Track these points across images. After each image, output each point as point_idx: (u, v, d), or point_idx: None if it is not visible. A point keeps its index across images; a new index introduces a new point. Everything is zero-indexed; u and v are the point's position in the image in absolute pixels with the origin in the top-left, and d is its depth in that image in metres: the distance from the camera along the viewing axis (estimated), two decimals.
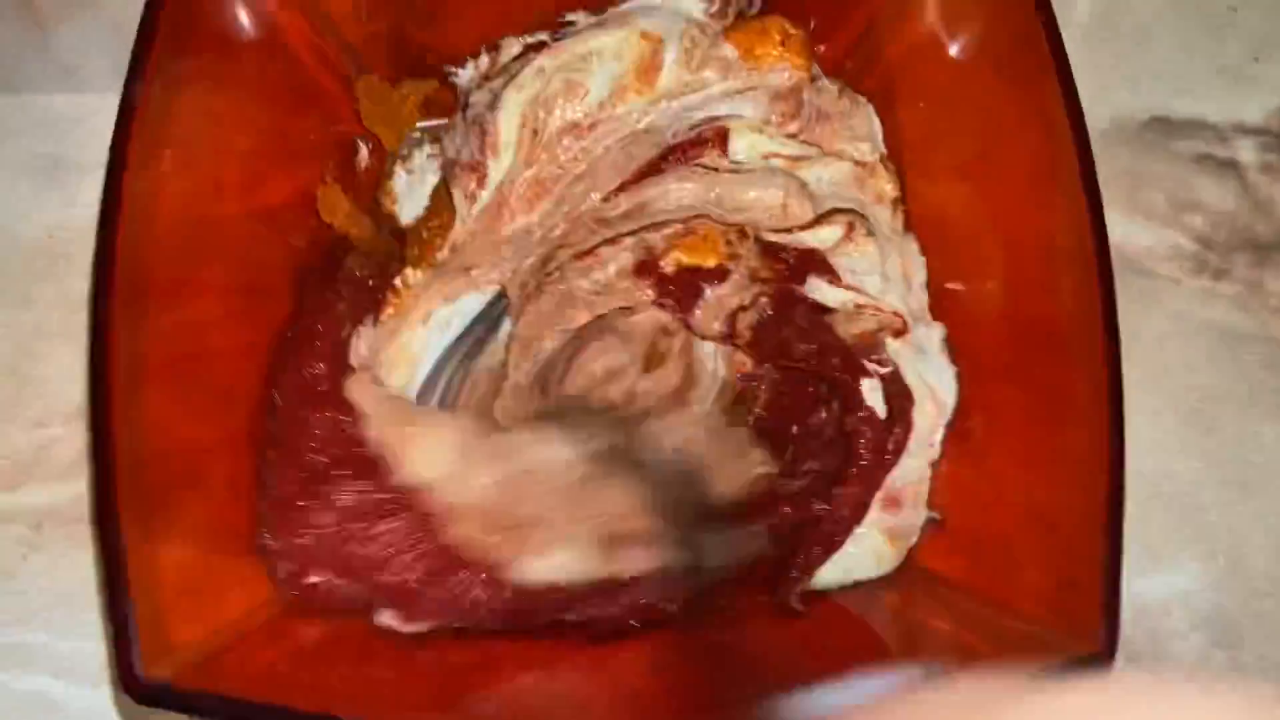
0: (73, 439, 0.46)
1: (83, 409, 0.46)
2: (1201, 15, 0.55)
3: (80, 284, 0.48)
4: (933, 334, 0.44)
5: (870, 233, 0.44)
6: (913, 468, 0.44)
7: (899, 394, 0.44)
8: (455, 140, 0.45)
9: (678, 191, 0.44)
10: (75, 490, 0.45)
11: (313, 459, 0.40)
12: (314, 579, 0.39)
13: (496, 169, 0.43)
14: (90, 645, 0.44)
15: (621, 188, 0.44)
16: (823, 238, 0.44)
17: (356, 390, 0.41)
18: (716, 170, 0.44)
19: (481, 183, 0.44)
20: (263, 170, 0.41)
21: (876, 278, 0.44)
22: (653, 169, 0.44)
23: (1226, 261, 0.52)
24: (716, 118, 0.44)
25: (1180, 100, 0.54)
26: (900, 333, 0.44)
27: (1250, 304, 0.52)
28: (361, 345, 0.43)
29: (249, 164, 0.40)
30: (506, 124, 0.43)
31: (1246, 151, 0.54)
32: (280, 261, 0.42)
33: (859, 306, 0.44)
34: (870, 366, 0.44)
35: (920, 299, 0.44)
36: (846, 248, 0.44)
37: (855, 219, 0.44)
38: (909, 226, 0.45)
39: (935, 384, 0.44)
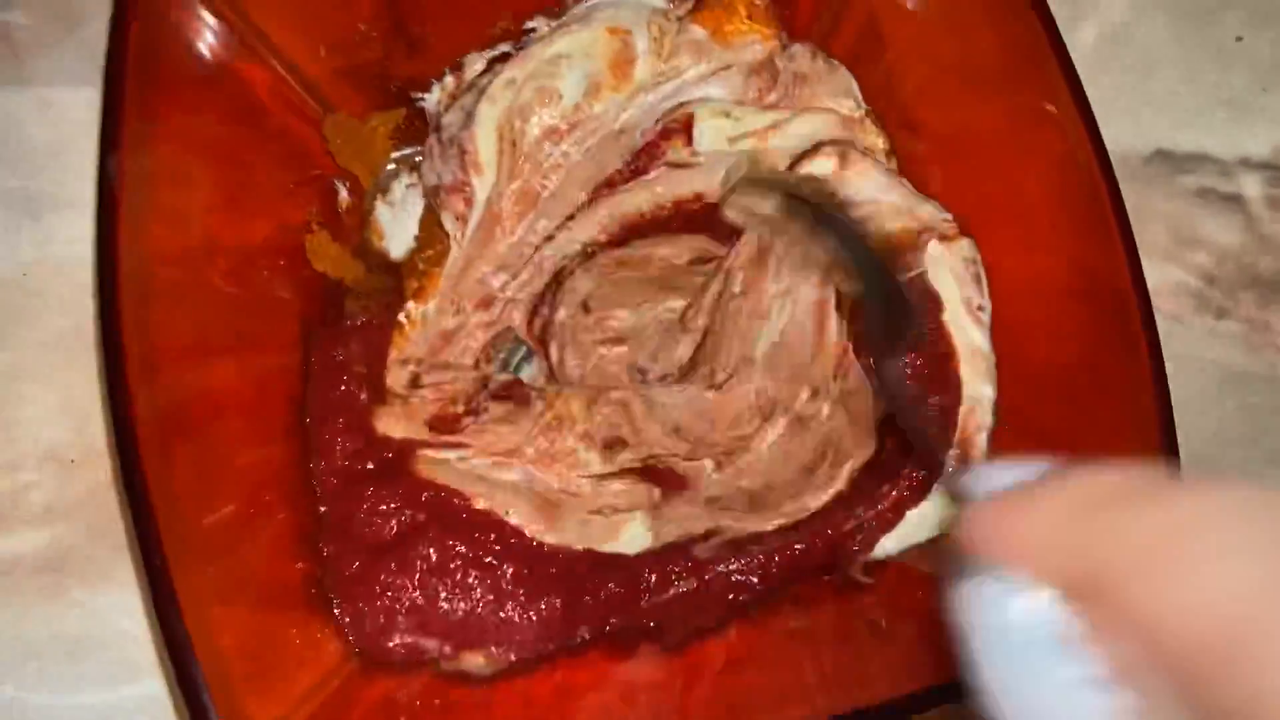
0: (46, 484, 0.44)
1: (56, 452, 0.45)
2: (1207, 45, 0.54)
3: (56, 323, 0.46)
4: (958, 251, 0.44)
5: (864, 154, 0.44)
6: (985, 413, 0.43)
7: (921, 296, 0.43)
8: (435, 165, 0.44)
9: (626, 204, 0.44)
10: (47, 538, 0.44)
11: (375, 535, 0.40)
12: (395, 642, 0.39)
13: (482, 186, 0.43)
14: (61, 700, 0.42)
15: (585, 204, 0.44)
16: (816, 170, 0.44)
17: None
18: (676, 166, 0.44)
19: (469, 203, 0.43)
20: (249, 226, 0.40)
21: (897, 196, 0.44)
22: (613, 181, 0.44)
23: (1230, 299, 0.51)
24: (686, 103, 0.44)
25: (1184, 133, 0.53)
26: (947, 236, 0.43)
27: (1255, 343, 0.50)
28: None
29: (235, 222, 0.39)
30: (484, 140, 0.43)
31: (1251, 186, 0.52)
32: (281, 315, 0.41)
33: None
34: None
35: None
36: (846, 174, 0.44)
37: (843, 147, 0.44)
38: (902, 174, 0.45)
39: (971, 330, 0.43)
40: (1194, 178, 0.52)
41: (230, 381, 0.38)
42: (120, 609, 0.43)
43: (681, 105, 0.44)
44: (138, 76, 0.34)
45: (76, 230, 0.47)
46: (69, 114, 0.48)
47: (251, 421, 0.39)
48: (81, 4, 0.50)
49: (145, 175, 0.34)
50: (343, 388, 0.41)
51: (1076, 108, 0.39)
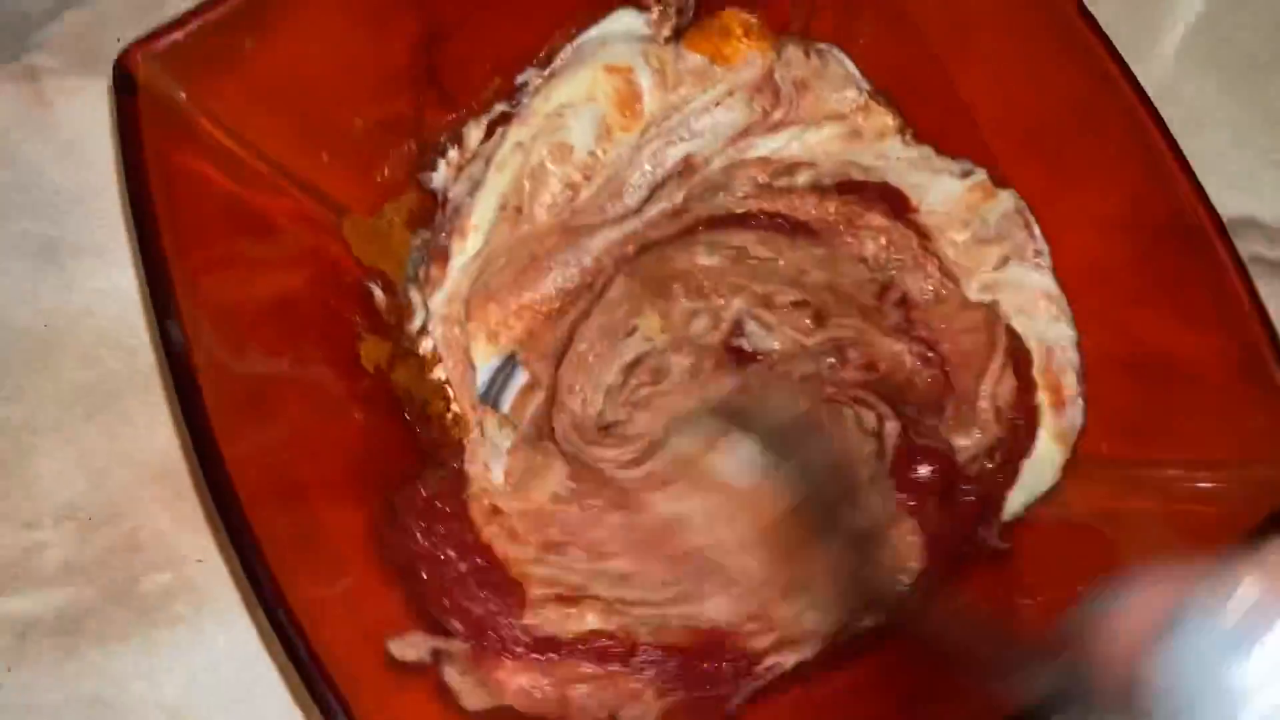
0: (63, 543, 0.43)
1: (73, 509, 0.44)
2: (1257, 106, 0.53)
3: (75, 375, 0.45)
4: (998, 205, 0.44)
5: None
6: (1067, 352, 0.42)
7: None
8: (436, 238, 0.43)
9: None
10: (63, 598, 0.43)
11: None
12: None
13: (461, 252, 0.42)
14: None
15: None
16: None
17: None
18: None
19: (443, 267, 0.42)
20: (307, 357, 0.39)
21: None
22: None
23: None
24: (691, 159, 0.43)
25: (1231, 196, 0.52)
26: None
27: None
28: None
29: (294, 357, 0.39)
30: (482, 206, 0.42)
31: None
32: (353, 436, 0.40)
33: None
34: None
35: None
36: None
37: None
38: (922, 140, 0.45)
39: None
40: (1241, 244, 0.51)
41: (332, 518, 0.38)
42: (135, 672, 0.42)
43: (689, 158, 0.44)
44: (170, 233, 0.34)
45: (99, 279, 0.46)
46: (95, 160, 0.47)
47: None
48: (111, 47, 0.49)
49: (200, 335, 0.34)
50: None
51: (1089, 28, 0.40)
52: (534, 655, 0.38)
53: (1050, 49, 0.42)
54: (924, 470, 0.42)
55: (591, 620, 0.39)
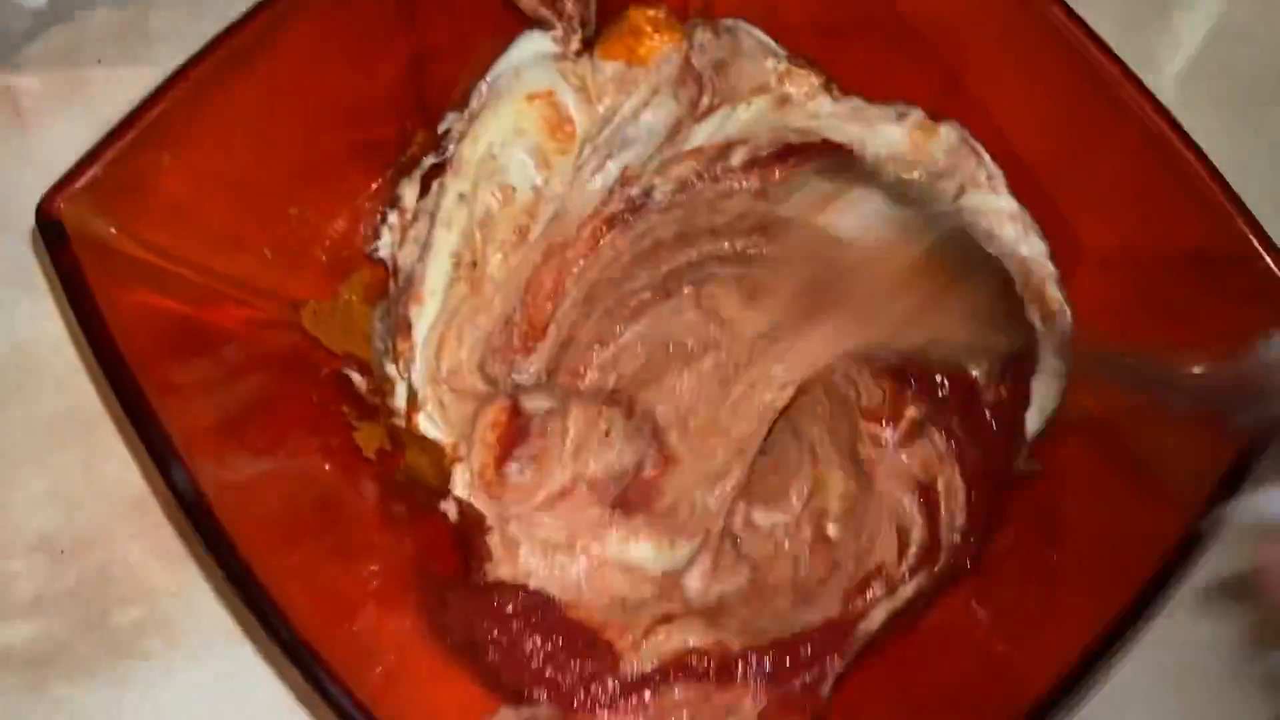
0: (33, 574, 0.43)
1: (45, 541, 0.44)
2: (1258, 140, 0.52)
3: (49, 404, 0.45)
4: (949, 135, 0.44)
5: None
6: (1044, 264, 0.43)
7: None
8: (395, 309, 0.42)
9: None
10: (34, 631, 0.43)
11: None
12: None
13: (422, 318, 0.41)
14: None
15: None
16: None
17: None
18: None
19: (407, 338, 0.41)
20: (308, 461, 0.38)
21: None
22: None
23: None
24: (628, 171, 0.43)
25: None
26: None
27: None
28: None
29: (293, 466, 0.38)
30: (435, 269, 0.41)
31: None
32: (373, 519, 0.40)
33: None
34: None
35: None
36: None
37: None
38: (846, 92, 0.45)
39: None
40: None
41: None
42: (104, 709, 0.43)
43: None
44: (144, 375, 0.32)
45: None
46: None
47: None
48: (90, 70, 0.49)
49: (202, 468, 0.33)
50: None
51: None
52: (630, 698, 0.38)
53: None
54: (945, 385, 0.42)
55: (690, 639, 0.38)
